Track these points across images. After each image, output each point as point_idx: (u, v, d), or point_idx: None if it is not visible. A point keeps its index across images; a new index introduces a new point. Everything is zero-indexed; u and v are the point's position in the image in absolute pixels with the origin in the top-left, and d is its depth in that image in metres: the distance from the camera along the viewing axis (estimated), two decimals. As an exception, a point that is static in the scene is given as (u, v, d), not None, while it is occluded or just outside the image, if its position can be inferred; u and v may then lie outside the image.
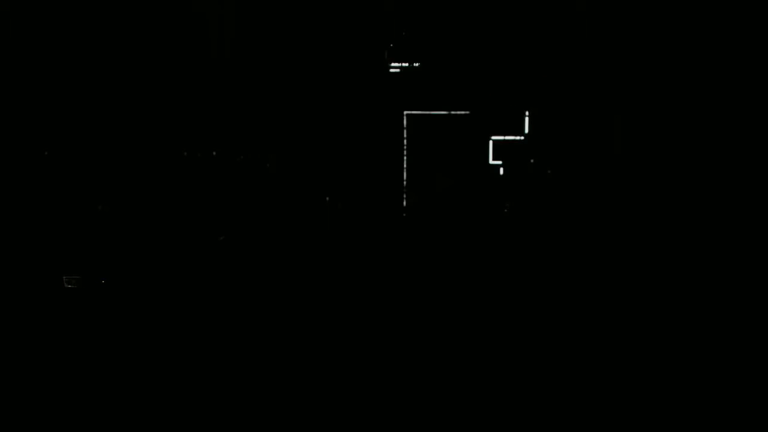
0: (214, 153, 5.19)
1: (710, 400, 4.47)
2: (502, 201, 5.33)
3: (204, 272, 5.15)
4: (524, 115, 5.17)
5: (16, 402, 4.44)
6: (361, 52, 5.32)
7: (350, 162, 5.28)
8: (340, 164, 5.30)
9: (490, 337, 5.11)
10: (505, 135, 5.16)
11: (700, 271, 5.08)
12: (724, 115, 5.03)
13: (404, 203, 5.41)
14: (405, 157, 5.40)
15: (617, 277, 5.14)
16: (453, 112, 5.35)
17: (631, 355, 4.93)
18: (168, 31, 5.31)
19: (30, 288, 5.14)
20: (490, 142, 5.32)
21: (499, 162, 5.30)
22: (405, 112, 5.38)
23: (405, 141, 5.34)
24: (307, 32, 5.25)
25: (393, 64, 5.14)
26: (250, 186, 5.21)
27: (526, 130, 5.18)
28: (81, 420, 4.32)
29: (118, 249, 5.20)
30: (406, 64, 5.18)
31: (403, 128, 5.32)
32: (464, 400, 4.53)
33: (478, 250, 5.37)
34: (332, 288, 5.22)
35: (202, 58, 5.26)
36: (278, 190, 5.16)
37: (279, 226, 5.18)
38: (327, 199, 5.18)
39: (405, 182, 5.38)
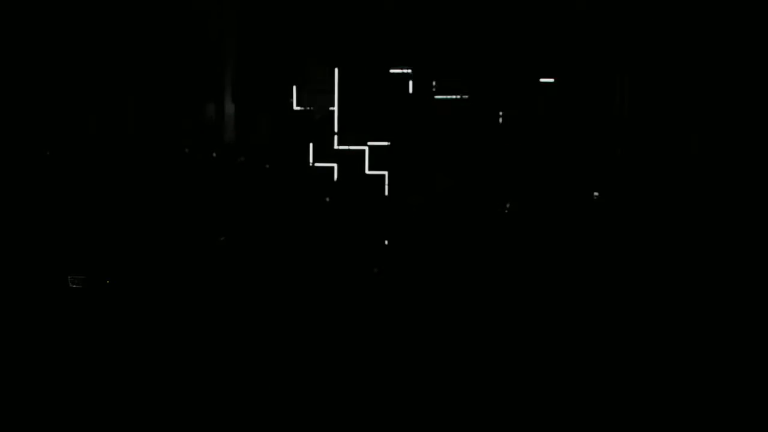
0: (214, 154, 5.17)
1: (710, 399, 4.45)
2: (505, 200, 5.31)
3: (205, 272, 5.14)
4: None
5: (18, 401, 4.44)
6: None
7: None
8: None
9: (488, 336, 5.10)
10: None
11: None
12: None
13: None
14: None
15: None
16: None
17: (631, 355, 4.91)
18: (168, 31, 5.30)
19: (34, 287, 5.14)
20: None
21: None
22: None
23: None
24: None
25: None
26: (250, 186, 5.19)
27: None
28: (82, 419, 4.32)
29: (121, 249, 5.19)
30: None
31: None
32: (463, 399, 4.52)
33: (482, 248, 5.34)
34: (332, 287, 5.20)
35: (201, 57, 5.24)
36: (277, 191, 5.14)
37: (278, 226, 5.17)
38: (327, 199, 5.16)
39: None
